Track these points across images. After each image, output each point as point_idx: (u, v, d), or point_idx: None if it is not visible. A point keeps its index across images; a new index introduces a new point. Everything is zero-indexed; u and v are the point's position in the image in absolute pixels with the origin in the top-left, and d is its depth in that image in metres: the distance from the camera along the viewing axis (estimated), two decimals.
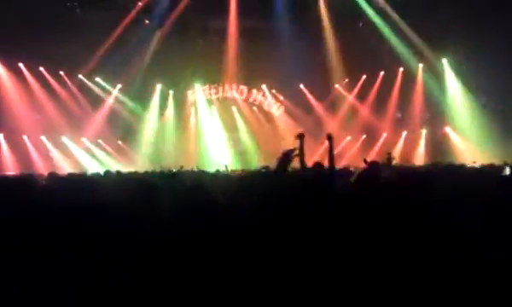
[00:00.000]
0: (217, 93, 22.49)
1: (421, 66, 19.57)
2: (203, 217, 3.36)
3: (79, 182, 5.83)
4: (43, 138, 18.94)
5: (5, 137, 18.19)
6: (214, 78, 21.63)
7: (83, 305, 2.61)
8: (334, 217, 3.36)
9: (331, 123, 21.69)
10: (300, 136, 6.01)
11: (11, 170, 16.76)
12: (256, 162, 18.43)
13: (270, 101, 22.71)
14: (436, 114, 19.60)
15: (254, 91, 22.63)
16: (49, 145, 19.03)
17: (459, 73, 18.51)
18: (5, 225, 3.06)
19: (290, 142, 20.26)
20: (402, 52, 18.63)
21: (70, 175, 7.95)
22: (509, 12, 14.93)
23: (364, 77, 21.21)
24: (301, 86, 22.02)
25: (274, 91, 22.59)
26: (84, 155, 19.57)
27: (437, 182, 4.81)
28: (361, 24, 19.27)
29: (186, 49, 19.26)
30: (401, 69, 20.10)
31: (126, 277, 2.72)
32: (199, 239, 3.00)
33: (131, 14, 18.63)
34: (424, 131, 20.13)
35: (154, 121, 21.32)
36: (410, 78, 19.84)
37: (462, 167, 8.70)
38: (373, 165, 5.93)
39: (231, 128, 22.38)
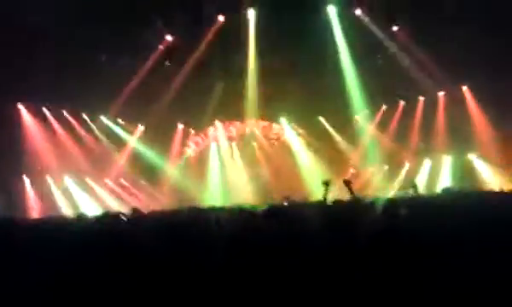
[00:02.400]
0: (237, 129, 22.62)
1: (441, 94, 19.46)
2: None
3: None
4: (67, 178, 19.16)
5: (30, 180, 18.42)
6: (234, 114, 21.77)
7: None
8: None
9: (353, 154, 21.59)
10: (326, 183, 6.13)
11: (36, 212, 16.94)
12: (278, 196, 18.34)
13: (290, 134, 22.72)
14: (459, 141, 19.33)
15: (274, 126, 22.70)
16: (73, 187, 19.23)
17: (480, 100, 18.33)
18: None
19: (312, 175, 20.27)
20: (422, 81, 18.54)
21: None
22: None
23: (384, 107, 21.14)
24: (320, 118, 21.99)
25: (293, 125, 22.60)
26: (108, 196, 19.73)
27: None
28: (379, 56, 19.30)
29: (206, 87, 19.50)
30: (422, 98, 19.99)
31: None
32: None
33: (153, 57, 18.94)
34: (448, 158, 19.84)
35: (176, 160, 21.49)
36: (431, 106, 19.70)
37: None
38: None
39: (252, 163, 22.39)
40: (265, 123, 22.64)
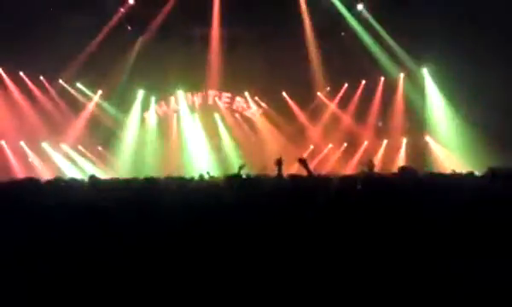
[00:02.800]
0: (199, 100, 22.45)
1: (402, 75, 19.79)
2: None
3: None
4: (23, 144, 18.67)
5: None
6: (197, 85, 21.58)
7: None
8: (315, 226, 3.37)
9: (313, 130, 21.83)
10: (279, 162, 6.30)
11: None
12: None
13: (252, 108, 22.74)
14: (417, 123, 19.77)
15: (237, 98, 22.66)
16: (28, 151, 18.75)
17: (440, 83, 18.73)
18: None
19: (272, 150, 20.35)
20: (383, 61, 18.84)
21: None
22: (489, 25, 15.15)
23: (346, 85, 21.38)
24: (284, 94, 22.11)
25: (257, 98, 22.62)
26: (63, 161, 19.33)
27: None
28: (343, 33, 19.43)
29: (169, 55, 19.17)
30: (382, 78, 20.29)
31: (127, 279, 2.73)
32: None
33: (113, 21, 18.49)
34: (405, 140, 20.31)
35: (135, 127, 21.17)
36: (391, 86, 20.04)
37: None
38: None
39: (213, 135, 22.33)
40: (228, 94, 22.57)
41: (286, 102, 22.16)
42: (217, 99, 22.47)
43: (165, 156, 20.47)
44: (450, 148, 18.12)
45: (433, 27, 16.09)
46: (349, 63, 19.12)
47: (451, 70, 16.69)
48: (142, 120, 21.66)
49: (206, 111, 22.49)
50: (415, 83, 19.42)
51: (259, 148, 21.64)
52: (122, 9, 18.51)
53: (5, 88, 18.17)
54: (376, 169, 15.52)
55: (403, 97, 19.82)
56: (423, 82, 19.37)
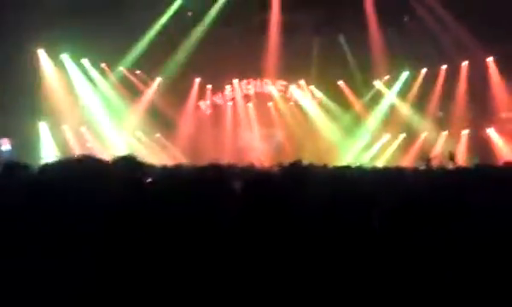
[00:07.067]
0: (254, 88, 22.44)
1: (465, 63, 18.92)
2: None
3: None
4: (83, 129, 19.25)
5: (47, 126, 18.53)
6: (252, 72, 21.54)
7: None
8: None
9: (370, 120, 21.34)
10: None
11: (51, 159, 17.02)
12: (291, 158, 18.23)
13: (307, 97, 22.47)
14: (479, 115, 18.92)
15: (292, 87, 22.44)
16: (89, 136, 19.30)
17: (505, 72, 17.80)
18: None
19: (327, 140, 20.12)
20: (447, 48, 17.98)
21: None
22: None
23: (406, 73, 20.71)
24: (340, 82, 21.63)
25: (312, 87, 22.33)
26: (123, 148, 19.80)
27: None
28: (406, 19, 18.78)
29: (226, 42, 19.24)
30: (444, 66, 19.49)
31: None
32: None
33: (174, 6, 18.74)
34: (466, 132, 19.47)
35: (191, 115, 21.43)
36: (453, 75, 19.21)
37: None
38: None
39: (267, 123, 22.28)
40: (284, 82, 22.37)
41: (342, 92, 21.70)
42: (272, 87, 22.35)
43: (220, 144, 20.63)
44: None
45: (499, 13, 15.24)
46: (410, 50, 18.49)
47: None
48: (198, 108, 21.89)
49: (261, 99, 22.44)
50: (479, 73, 18.51)
51: (313, 138, 21.40)
52: None
53: (67, 73, 18.75)
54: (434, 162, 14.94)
55: (465, 87, 18.95)
56: (487, 71, 18.45)
